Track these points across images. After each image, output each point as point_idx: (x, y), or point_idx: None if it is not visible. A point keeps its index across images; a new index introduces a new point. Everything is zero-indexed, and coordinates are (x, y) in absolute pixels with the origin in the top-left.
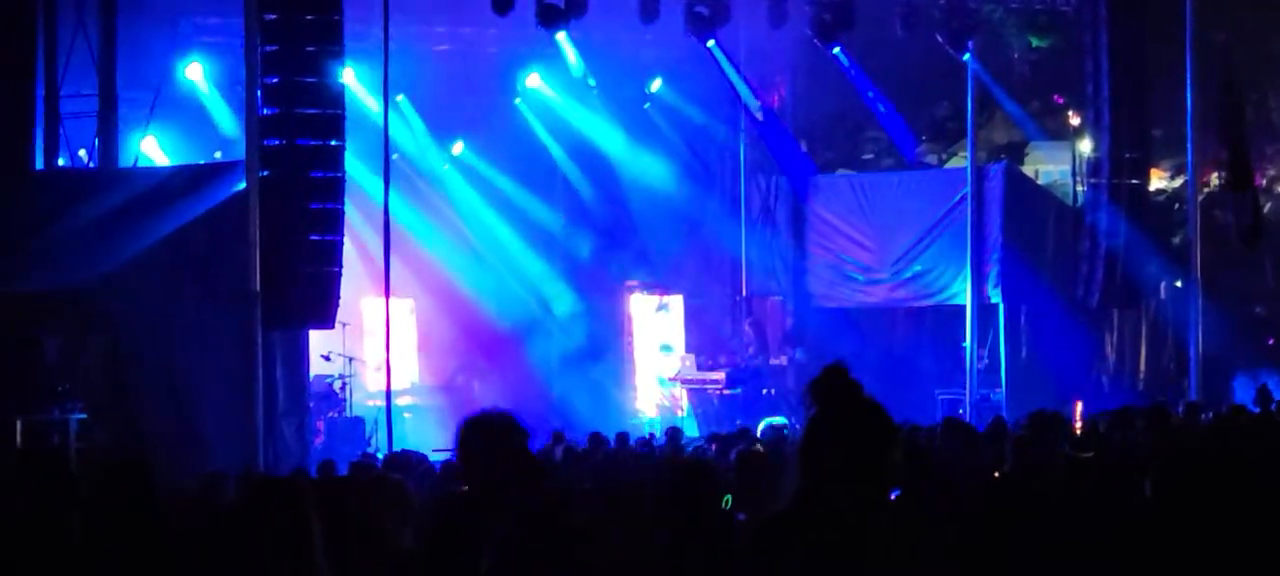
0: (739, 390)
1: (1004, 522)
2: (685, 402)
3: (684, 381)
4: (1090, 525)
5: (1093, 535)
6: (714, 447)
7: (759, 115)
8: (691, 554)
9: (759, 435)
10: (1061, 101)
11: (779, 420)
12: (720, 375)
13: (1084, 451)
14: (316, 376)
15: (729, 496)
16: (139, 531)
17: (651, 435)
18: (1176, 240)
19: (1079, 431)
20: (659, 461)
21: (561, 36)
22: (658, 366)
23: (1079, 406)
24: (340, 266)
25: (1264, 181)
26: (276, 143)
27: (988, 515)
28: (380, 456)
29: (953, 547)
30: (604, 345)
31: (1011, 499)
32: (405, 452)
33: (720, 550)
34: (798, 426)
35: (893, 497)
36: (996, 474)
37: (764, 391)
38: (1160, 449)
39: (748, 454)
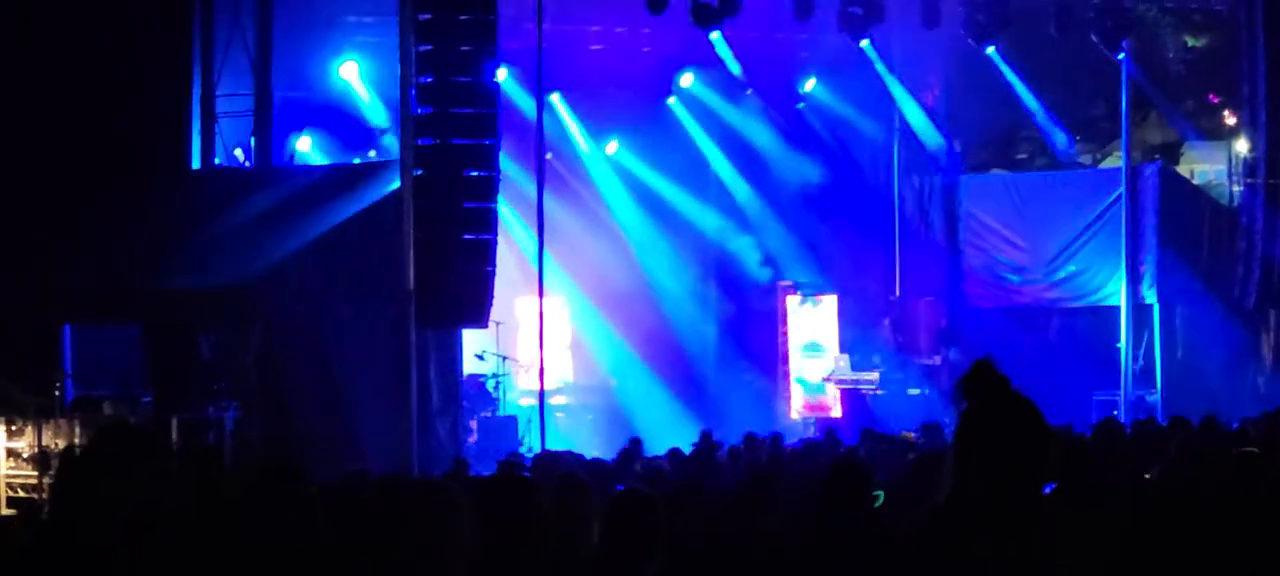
0: (886, 390)
1: (1163, 521)
2: (837, 403)
3: (837, 381)
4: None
5: (1259, 528)
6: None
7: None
8: (842, 550)
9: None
10: (1217, 101)
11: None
12: (874, 375)
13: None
14: (470, 375)
15: (881, 493)
16: (291, 532)
17: (802, 441)
18: None
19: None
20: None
21: (715, 36)
22: (802, 368)
23: None
24: (494, 265)
25: None
26: (431, 142)
27: (1146, 513)
28: (530, 456)
29: (1109, 544)
30: (758, 345)
31: (1172, 498)
32: (553, 452)
33: (870, 547)
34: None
35: (1047, 492)
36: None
37: (911, 391)
38: None
39: (928, 454)
